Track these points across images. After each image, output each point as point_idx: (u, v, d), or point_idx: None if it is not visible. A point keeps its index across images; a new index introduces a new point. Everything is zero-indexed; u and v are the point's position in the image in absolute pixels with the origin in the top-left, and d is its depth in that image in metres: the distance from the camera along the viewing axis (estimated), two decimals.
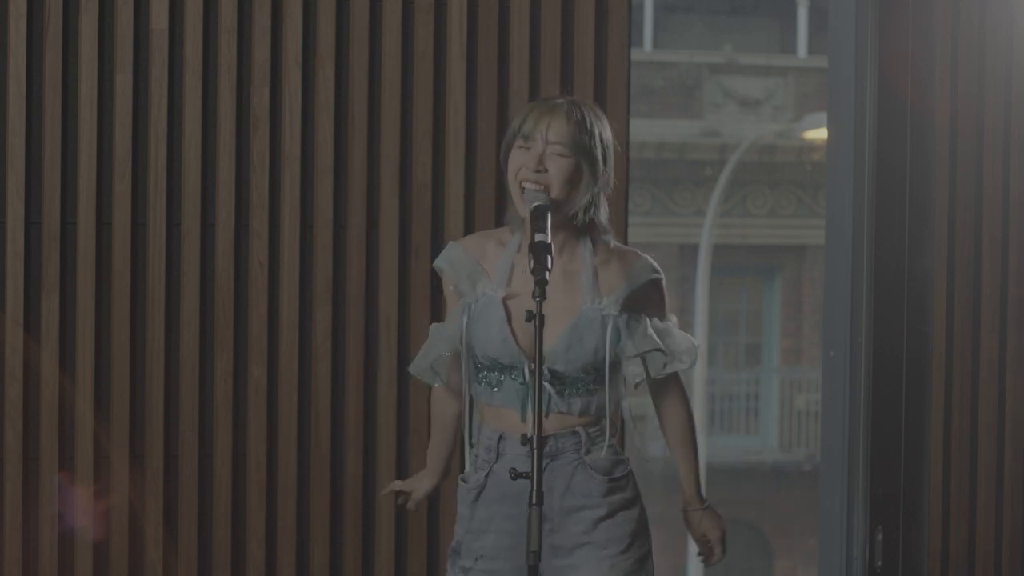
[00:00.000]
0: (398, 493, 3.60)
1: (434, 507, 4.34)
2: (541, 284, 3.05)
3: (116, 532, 4.17)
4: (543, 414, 3.19)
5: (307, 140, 4.30)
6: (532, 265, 3.08)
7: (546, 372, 3.26)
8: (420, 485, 3.57)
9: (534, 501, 2.99)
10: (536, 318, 3.04)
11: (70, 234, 4.18)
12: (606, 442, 3.32)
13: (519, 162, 3.27)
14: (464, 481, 3.36)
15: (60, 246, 4.17)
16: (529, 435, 3.04)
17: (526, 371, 3.25)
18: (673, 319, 3.41)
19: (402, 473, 4.34)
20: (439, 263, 3.38)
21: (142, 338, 4.21)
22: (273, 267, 4.29)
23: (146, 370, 4.21)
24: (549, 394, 3.28)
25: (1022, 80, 4.84)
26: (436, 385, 3.45)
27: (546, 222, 3.16)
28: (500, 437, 3.30)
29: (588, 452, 3.31)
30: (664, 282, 3.39)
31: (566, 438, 3.30)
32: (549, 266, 3.07)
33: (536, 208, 3.19)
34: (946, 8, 4.73)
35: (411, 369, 3.46)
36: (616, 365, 3.32)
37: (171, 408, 4.22)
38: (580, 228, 3.33)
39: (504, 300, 3.28)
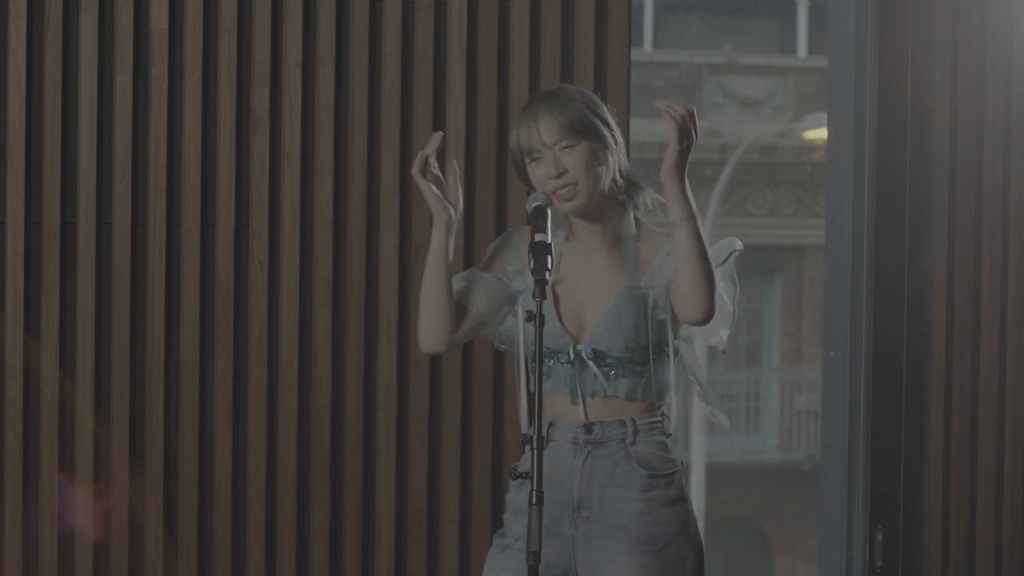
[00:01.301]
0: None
1: (434, 508, 4.34)
2: (541, 284, 3.05)
3: (116, 532, 4.17)
4: (585, 400, 3.25)
5: (307, 140, 4.30)
6: (532, 265, 3.08)
7: (591, 352, 3.27)
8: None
9: (534, 501, 2.99)
10: (536, 318, 3.04)
11: (70, 234, 4.17)
12: (655, 436, 3.30)
13: (541, 175, 3.27)
14: (516, 466, 3.33)
15: (60, 246, 4.16)
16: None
17: (571, 351, 3.26)
18: None
19: (402, 473, 4.33)
20: (493, 246, 3.39)
21: (142, 338, 4.21)
22: (273, 267, 4.29)
23: (146, 370, 4.21)
24: (595, 375, 3.27)
25: (1022, 80, 4.84)
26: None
27: (546, 222, 3.16)
28: (551, 424, 3.29)
29: (634, 443, 3.29)
30: None
31: (612, 427, 3.28)
32: (549, 266, 3.08)
33: (536, 208, 3.20)
34: (946, 8, 4.73)
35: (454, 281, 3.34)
36: (663, 347, 3.30)
37: (171, 408, 4.22)
38: (623, 204, 3.34)
39: (553, 286, 3.28)
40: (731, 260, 3.34)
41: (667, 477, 3.30)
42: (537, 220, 3.17)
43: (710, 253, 3.23)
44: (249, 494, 4.26)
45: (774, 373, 17.91)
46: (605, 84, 4.44)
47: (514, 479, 3.16)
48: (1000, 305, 4.84)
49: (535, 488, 2.99)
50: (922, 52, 4.64)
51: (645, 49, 17.49)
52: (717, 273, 3.24)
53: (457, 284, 3.34)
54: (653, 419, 3.31)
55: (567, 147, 3.25)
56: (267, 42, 4.27)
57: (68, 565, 4.16)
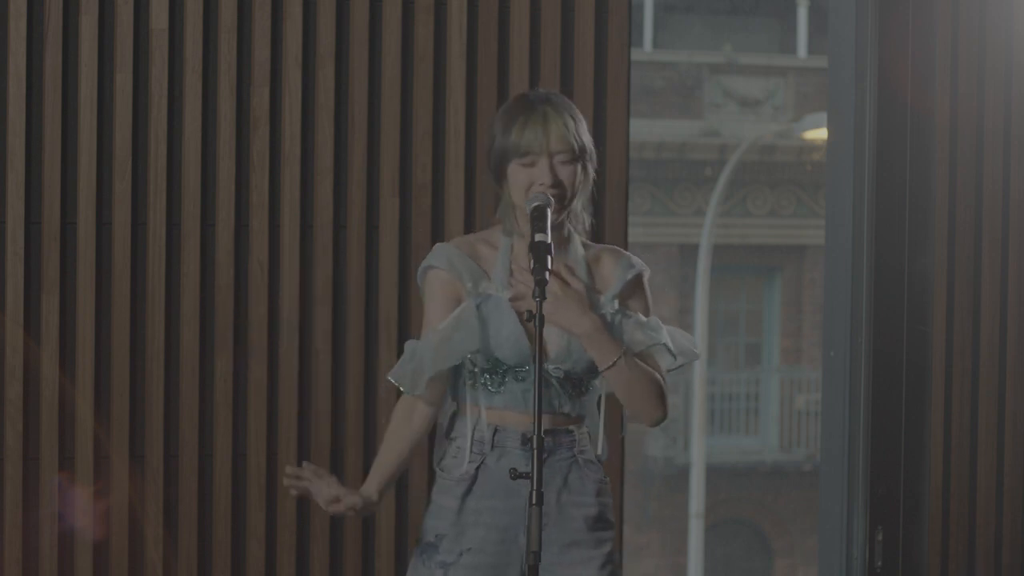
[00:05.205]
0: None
1: None
2: (541, 284, 3.05)
3: (116, 532, 4.17)
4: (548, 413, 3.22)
5: (307, 140, 4.30)
6: (532, 265, 3.08)
7: (561, 373, 3.26)
8: (349, 496, 3.30)
9: (534, 501, 2.99)
10: (536, 318, 3.04)
11: (70, 234, 4.18)
12: (599, 441, 3.34)
13: (527, 178, 3.23)
14: (444, 471, 3.33)
15: (60, 246, 4.17)
16: (529, 435, 3.04)
17: (535, 369, 3.23)
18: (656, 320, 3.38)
19: (402, 473, 4.33)
20: (435, 263, 3.29)
21: (142, 338, 4.21)
22: (273, 267, 4.29)
23: (146, 370, 4.21)
24: (558, 393, 3.28)
25: (1022, 80, 4.84)
26: (410, 394, 3.30)
27: (546, 222, 3.16)
28: (496, 430, 3.28)
29: (581, 451, 3.31)
30: (647, 278, 3.38)
31: (561, 435, 3.30)
32: (549, 266, 3.07)
33: (536, 208, 3.19)
34: (946, 8, 4.73)
35: (392, 376, 3.30)
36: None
37: (171, 408, 4.22)
38: (571, 227, 3.33)
39: (514, 303, 3.25)
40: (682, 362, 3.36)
41: (607, 483, 3.36)
42: (537, 220, 3.16)
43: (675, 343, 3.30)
44: (249, 494, 4.26)
45: (774, 373, 17.91)
46: (605, 84, 4.44)
47: (513, 479, 3.12)
48: (1000, 305, 4.84)
49: (535, 487, 3.00)
50: (922, 52, 4.64)
51: (645, 49, 17.50)
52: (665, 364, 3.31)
53: (427, 363, 3.26)
54: (582, 429, 3.34)
55: (565, 161, 3.23)
56: (267, 42, 4.28)
57: (68, 565, 4.16)
